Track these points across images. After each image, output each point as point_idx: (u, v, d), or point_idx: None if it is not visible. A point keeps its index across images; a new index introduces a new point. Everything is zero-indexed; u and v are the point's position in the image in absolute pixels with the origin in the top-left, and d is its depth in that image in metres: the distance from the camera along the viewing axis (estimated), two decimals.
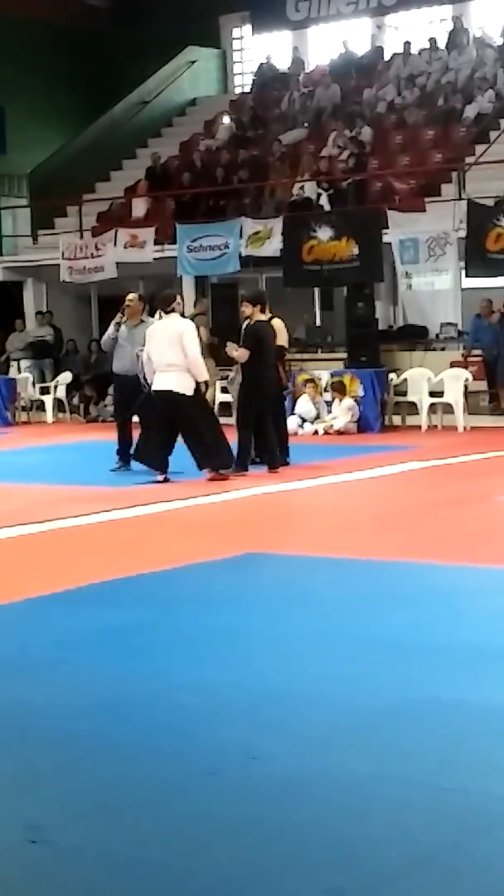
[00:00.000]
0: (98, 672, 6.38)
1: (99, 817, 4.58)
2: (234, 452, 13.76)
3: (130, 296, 14.59)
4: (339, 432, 18.53)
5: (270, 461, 14.04)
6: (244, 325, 14.30)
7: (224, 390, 20.13)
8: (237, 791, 4.76)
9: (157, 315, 14.09)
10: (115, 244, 23.58)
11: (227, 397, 20.46)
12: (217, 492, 12.64)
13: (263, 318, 14.16)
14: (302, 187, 23.29)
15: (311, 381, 19.42)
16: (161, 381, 13.25)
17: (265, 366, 14.00)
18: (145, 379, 13.64)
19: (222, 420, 17.94)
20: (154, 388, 13.33)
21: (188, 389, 13.15)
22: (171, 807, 4.64)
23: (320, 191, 22.82)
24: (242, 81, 31.48)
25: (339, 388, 18.92)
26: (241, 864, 4.14)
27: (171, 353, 13.13)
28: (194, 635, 7.07)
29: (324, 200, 22.67)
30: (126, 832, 4.44)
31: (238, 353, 14.00)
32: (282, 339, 14.93)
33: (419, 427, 19.15)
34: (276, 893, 3.94)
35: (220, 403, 20.28)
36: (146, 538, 10.47)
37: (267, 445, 14.13)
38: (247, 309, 14.14)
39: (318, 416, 19.03)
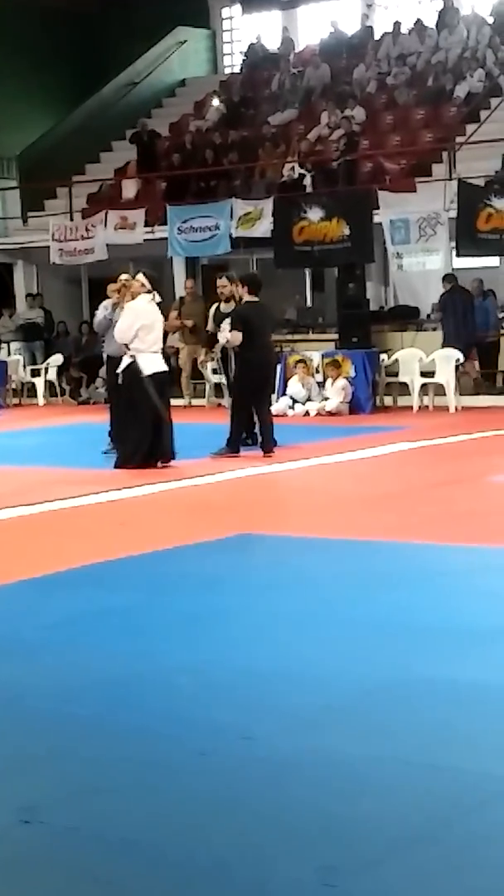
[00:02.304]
0: (91, 654, 6.39)
1: (92, 798, 4.59)
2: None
3: (123, 276, 14.47)
4: (331, 413, 18.53)
5: (265, 444, 14.03)
6: (217, 306, 14.29)
7: (215, 371, 20.12)
8: (230, 772, 4.78)
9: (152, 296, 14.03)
10: (105, 226, 23.53)
11: (221, 378, 20.46)
12: (209, 473, 12.64)
13: (253, 299, 14.12)
14: (292, 168, 23.24)
15: (303, 361, 19.42)
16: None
17: (255, 347, 13.97)
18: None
19: (214, 401, 17.92)
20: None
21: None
22: (164, 788, 4.65)
23: (303, 171, 22.77)
24: (232, 62, 31.38)
25: (334, 367, 18.92)
26: (234, 844, 4.15)
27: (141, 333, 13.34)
28: (187, 617, 7.07)
29: (307, 182, 22.61)
30: (119, 813, 4.45)
31: (231, 336, 13.95)
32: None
33: (411, 408, 19.16)
34: (269, 873, 3.95)
35: (215, 384, 20.32)
36: (138, 520, 10.47)
37: (262, 429, 14.11)
38: (238, 289, 14.09)
39: (308, 398, 19.03)
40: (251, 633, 6.70)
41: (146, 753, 5.00)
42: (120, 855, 4.12)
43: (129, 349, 13.21)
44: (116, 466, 13.22)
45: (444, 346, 19.20)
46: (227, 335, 14.05)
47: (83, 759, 4.98)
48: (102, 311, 14.58)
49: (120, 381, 13.35)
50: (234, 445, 13.85)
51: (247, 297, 14.04)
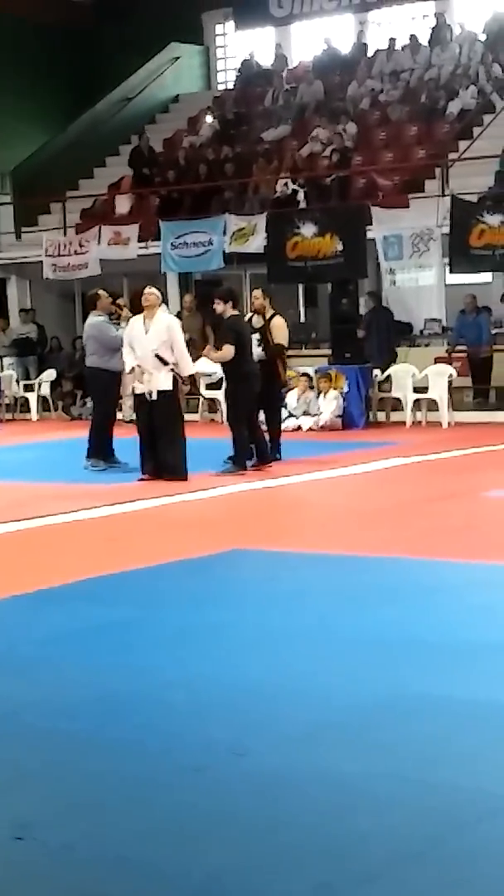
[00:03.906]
0: (85, 669, 6.38)
1: (86, 815, 4.58)
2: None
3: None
4: (324, 427, 18.54)
5: (261, 457, 14.03)
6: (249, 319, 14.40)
7: (210, 387, 20.14)
8: (224, 788, 4.77)
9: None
10: (98, 241, 23.57)
11: (216, 394, 20.50)
12: (203, 489, 12.64)
13: (234, 313, 14.12)
14: (286, 184, 23.29)
15: (306, 375, 19.46)
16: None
17: (247, 360, 13.97)
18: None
19: (208, 416, 17.95)
20: None
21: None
22: (158, 804, 4.64)
23: (296, 188, 22.81)
24: (226, 78, 31.44)
25: (326, 380, 18.98)
26: (229, 860, 4.15)
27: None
28: (181, 632, 7.07)
29: (300, 197, 22.65)
30: (113, 829, 4.44)
31: (219, 353, 13.93)
32: (281, 337, 14.96)
33: (404, 423, 19.17)
34: (264, 889, 3.95)
35: (208, 400, 20.33)
36: (132, 535, 10.46)
37: (256, 441, 14.11)
38: (218, 306, 14.09)
39: (305, 412, 19.05)
40: (245, 649, 6.69)
41: (140, 769, 4.99)
42: (114, 871, 4.11)
43: (166, 364, 13.22)
44: (175, 477, 13.17)
45: (365, 362, 19.34)
46: (215, 354, 14.05)
47: (77, 775, 4.97)
48: (113, 328, 14.51)
49: (156, 395, 13.30)
50: (241, 462, 13.83)
51: (230, 312, 14.01)
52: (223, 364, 14.16)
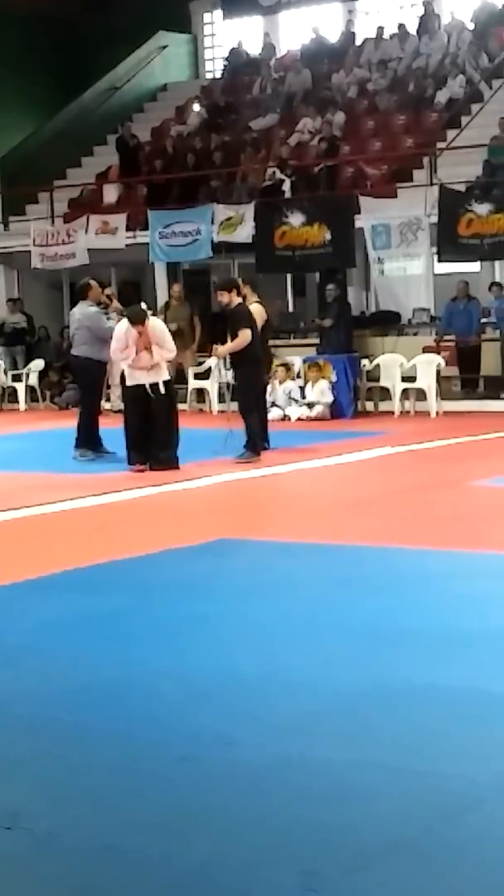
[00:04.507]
0: (74, 659, 6.38)
1: (75, 804, 4.59)
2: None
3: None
4: (312, 419, 18.56)
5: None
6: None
7: (198, 377, 20.14)
8: (213, 777, 4.78)
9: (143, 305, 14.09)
10: (86, 231, 23.53)
11: (203, 384, 20.50)
12: (190, 478, 12.64)
13: (239, 300, 14.13)
14: (274, 173, 23.26)
15: (285, 365, 19.45)
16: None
17: (256, 346, 14.00)
18: None
19: (196, 406, 18.00)
20: None
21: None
22: (147, 793, 4.65)
23: (283, 177, 22.79)
24: (213, 67, 31.40)
25: (315, 369, 19.00)
26: (217, 849, 4.16)
27: None
28: (169, 622, 7.08)
29: (286, 187, 22.63)
30: (102, 819, 4.45)
31: (236, 341, 13.89)
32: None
33: (392, 412, 19.19)
34: (252, 878, 3.96)
35: (195, 390, 20.35)
36: (121, 525, 10.47)
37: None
38: (224, 297, 14.08)
39: (288, 402, 19.06)
40: (234, 639, 6.71)
41: (129, 759, 5.00)
42: (103, 861, 4.12)
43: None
44: (169, 466, 13.17)
45: (322, 351, 19.55)
46: (224, 348, 14.05)
47: (65, 765, 4.98)
48: (106, 319, 14.53)
49: (163, 388, 13.31)
50: (255, 448, 13.84)
51: (236, 300, 14.04)
52: (234, 351, 14.14)
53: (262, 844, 4.17)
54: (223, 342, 14.27)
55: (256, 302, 15.09)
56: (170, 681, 5.94)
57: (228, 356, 14.43)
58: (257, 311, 14.77)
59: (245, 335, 13.74)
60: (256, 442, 13.91)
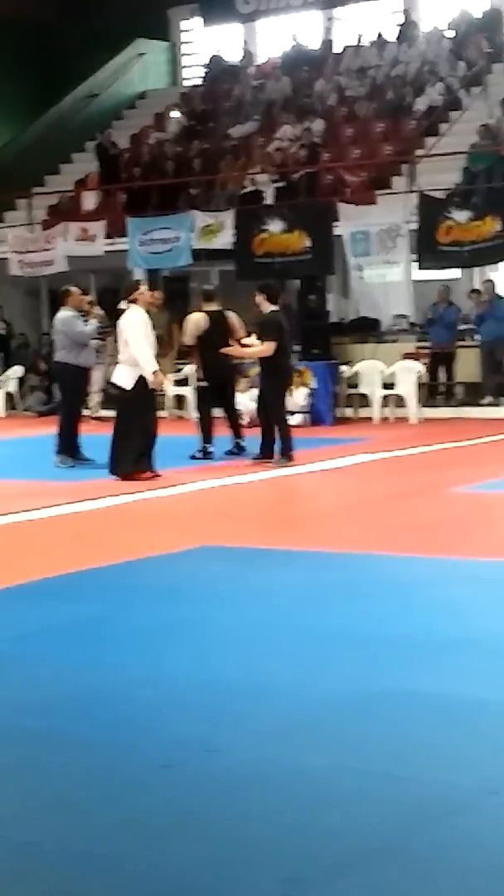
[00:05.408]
0: (54, 666, 6.36)
1: (55, 812, 4.56)
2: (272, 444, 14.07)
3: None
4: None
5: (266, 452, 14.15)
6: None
7: (178, 383, 20.11)
8: (194, 784, 4.76)
9: (123, 304, 14.01)
10: (65, 238, 23.52)
11: (182, 390, 20.46)
12: (171, 485, 12.62)
13: (272, 307, 14.17)
14: (253, 180, 23.28)
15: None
16: (114, 372, 13.45)
17: (287, 355, 14.07)
18: None
19: (176, 412, 17.94)
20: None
21: (126, 383, 13.06)
22: (127, 800, 4.63)
23: (263, 185, 22.78)
24: (192, 74, 31.41)
25: (296, 376, 19.01)
26: (198, 856, 4.14)
27: (121, 345, 13.16)
28: (150, 628, 7.05)
29: (268, 194, 22.64)
30: (83, 826, 4.43)
31: (261, 348, 13.96)
32: (239, 331, 15.05)
33: (371, 419, 19.20)
34: (233, 884, 3.94)
35: (175, 396, 20.32)
36: (100, 532, 10.44)
37: (265, 436, 14.16)
38: (260, 301, 14.19)
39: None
40: (213, 645, 6.69)
41: (108, 766, 4.98)
42: (82, 868, 4.10)
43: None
44: (122, 474, 12.99)
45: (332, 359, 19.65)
46: (257, 348, 14.10)
47: (44, 773, 4.96)
48: (81, 322, 14.50)
49: (132, 390, 13.12)
50: (289, 453, 14.01)
51: (270, 307, 14.09)
52: (262, 359, 14.17)
53: (243, 851, 4.15)
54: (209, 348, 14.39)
55: (206, 311, 15.00)
56: (149, 687, 5.92)
57: (259, 363, 14.52)
58: (196, 319, 14.76)
59: (268, 347, 13.88)
60: (289, 447, 14.04)
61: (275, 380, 14.22)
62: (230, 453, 14.89)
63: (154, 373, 13.01)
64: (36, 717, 5.58)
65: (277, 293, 14.59)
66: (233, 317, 15.15)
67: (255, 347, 14.19)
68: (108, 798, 4.66)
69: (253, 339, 14.37)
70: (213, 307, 15.11)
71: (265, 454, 14.15)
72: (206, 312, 14.98)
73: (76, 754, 5.13)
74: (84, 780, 4.84)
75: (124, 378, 13.06)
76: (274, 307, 14.19)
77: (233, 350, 14.64)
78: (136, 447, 13.01)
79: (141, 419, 13.05)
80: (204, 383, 15.08)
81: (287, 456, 13.95)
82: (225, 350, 14.59)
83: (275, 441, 14.18)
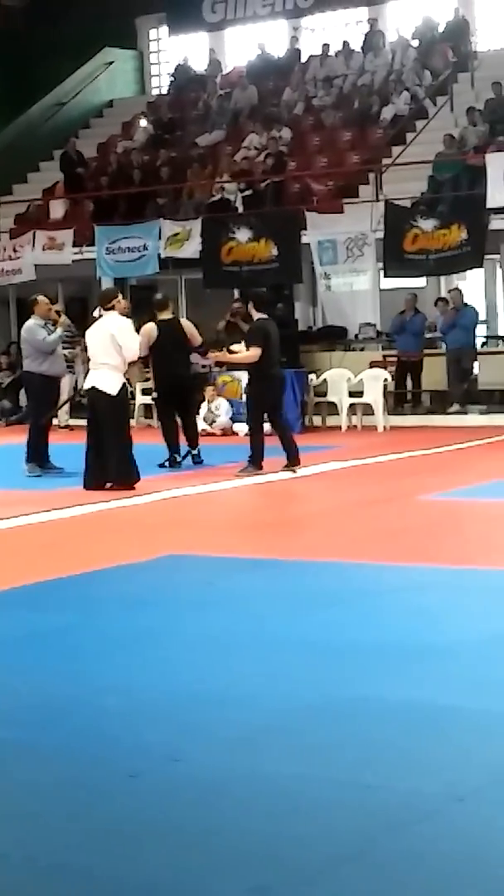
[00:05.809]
0: (20, 676, 6.33)
1: (21, 823, 4.54)
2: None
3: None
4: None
5: (292, 458, 14.03)
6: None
7: (145, 392, 20.09)
8: (160, 793, 4.75)
9: (97, 312, 14.00)
10: (33, 246, 23.48)
11: (149, 399, 20.41)
12: (138, 494, 12.60)
13: (264, 315, 14.17)
14: (221, 188, 23.30)
15: (232, 381, 19.47)
16: (89, 379, 13.32)
17: (273, 363, 14.04)
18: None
19: (144, 421, 17.94)
20: (84, 385, 13.40)
21: (112, 388, 13.01)
22: (94, 810, 4.61)
23: (230, 193, 22.80)
24: (160, 83, 31.43)
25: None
26: (165, 865, 4.12)
27: (102, 351, 13.08)
28: (116, 637, 7.04)
29: (235, 202, 22.67)
30: (49, 837, 4.41)
31: (246, 354, 13.95)
32: (195, 338, 15.10)
33: (339, 427, 19.24)
34: (202, 894, 3.93)
35: (143, 405, 20.31)
36: (67, 541, 10.40)
37: (286, 443, 14.07)
38: (249, 309, 14.24)
39: (213, 421, 19.02)
40: (180, 654, 6.68)
41: (75, 776, 4.96)
42: (51, 879, 4.08)
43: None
44: (92, 486, 12.91)
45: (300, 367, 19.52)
46: (243, 354, 14.07)
47: (11, 783, 4.93)
48: (43, 331, 14.44)
49: (118, 396, 13.04)
50: (257, 462, 13.87)
51: (258, 315, 14.10)
52: (248, 366, 14.17)
53: (211, 860, 4.14)
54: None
55: (159, 320, 14.99)
56: (116, 696, 5.90)
57: (246, 370, 14.54)
58: (147, 329, 14.75)
59: (254, 353, 13.83)
60: (259, 457, 13.88)
61: (259, 386, 14.16)
62: (196, 462, 14.89)
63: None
64: (2, 727, 5.56)
65: (266, 301, 14.57)
66: (187, 324, 15.25)
67: (241, 354, 14.19)
68: (75, 808, 4.64)
69: (241, 346, 14.39)
70: (166, 315, 15.10)
71: (291, 460, 14.02)
72: (158, 322, 14.96)
73: (42, 764, 5.10)
74: (50, 791, 4.82)
75: (111, 383, 13.01)
76: (262, 315, 14.19)
77: (219, 356, 14.70)
78: (128, 453, 12.98)
79: (128, 425, 13.15)
80: (155, 394, 15.15)
81: (255, 464, 13.91)
82: (213, 356, 14.64)
83: (293, 445, 14.09)
